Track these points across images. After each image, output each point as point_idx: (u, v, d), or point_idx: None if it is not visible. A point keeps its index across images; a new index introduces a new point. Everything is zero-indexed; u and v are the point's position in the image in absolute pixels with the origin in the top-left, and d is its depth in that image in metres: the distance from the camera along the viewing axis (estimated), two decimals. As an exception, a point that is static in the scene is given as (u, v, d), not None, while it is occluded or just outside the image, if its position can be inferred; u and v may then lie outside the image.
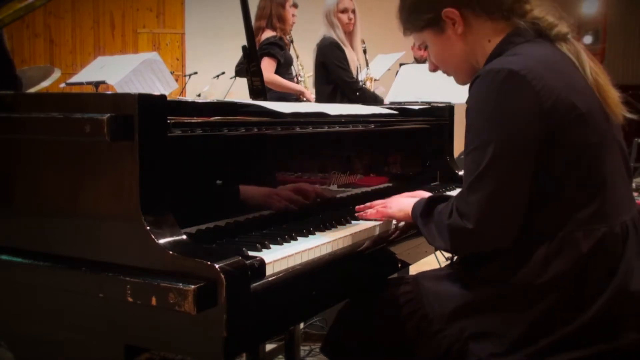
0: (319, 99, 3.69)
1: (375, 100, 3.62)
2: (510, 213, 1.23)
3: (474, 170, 1.22)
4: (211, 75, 6.45)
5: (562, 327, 1.21)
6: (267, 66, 3.83)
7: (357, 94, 3.55)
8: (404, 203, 1.53)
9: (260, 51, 3.85)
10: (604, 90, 1.29)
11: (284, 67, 3.97)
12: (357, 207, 1.60)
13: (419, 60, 5.86)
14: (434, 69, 1.48)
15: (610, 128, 1.29)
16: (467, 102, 1.28)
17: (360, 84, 3.71)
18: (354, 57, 3.69)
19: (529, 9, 1.33)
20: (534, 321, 1.22)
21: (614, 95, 1.30)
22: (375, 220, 1.57)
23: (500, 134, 1.20)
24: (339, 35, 3.57)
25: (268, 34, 3.90)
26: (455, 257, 1.55)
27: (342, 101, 3.55)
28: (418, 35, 1.44)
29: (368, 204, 1.61)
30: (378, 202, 1.59)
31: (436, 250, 1.94)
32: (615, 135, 1.30)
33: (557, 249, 1.22)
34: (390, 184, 1.95)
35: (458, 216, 1.24)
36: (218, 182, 1.32)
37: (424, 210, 1.39)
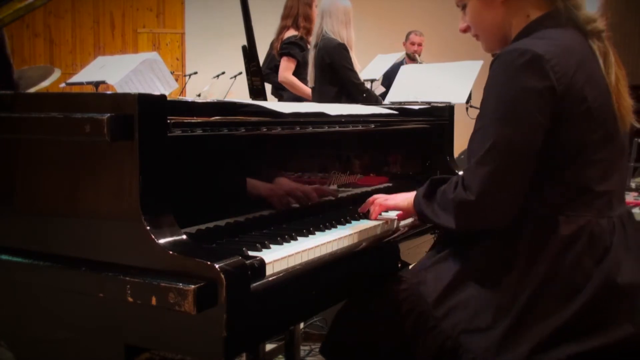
0: (322, 99, 3.68)
1: (377, 102, 3.62)
2: (513, 190, 1.25)
3: (485, 145, 1.24)
4: (211, 75, 6.45)
5: (550, 317, 1.22)
6: (286, 66, 3.87)
7: (364, 95, 3.55)
8: (406, 194, 1.54)
9: (281, 50, 3.90)
10: (622, 97, 1.32)
11: (303, 67, 3.98)
12: (360, 209, 1.61)
13: (411, 57, 5.88)
14: (465, 28, 1.47)
15: (617, 129, 1.31)
16: (487, 78, 1.29)
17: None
18: (355, 58, 3.69)
19: None
20: (522, 311, 1.24)
21: (628, 104, 1.33)
22: (380, 215, 1.58)
23: (515, 113, 1.22)
24: (348, 35, 3.56)
25: (290, 33, 3.93)
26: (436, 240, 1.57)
27: (347, 102, 3.54)
28: None
29: (370, 199, 1.61)
30: (380, 196, 1.59)
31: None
32: (620, 137, 1.32)
33: (541, 233, 1.26)
34: (390, 184, 1.95)
35: (462, 188, 1.27)
36: (218, 182, 1.32)
37: (426, 191, 1.41)
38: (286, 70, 3.85)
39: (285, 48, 3.89)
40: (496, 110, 1.25)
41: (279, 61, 4.02)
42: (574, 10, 1.33)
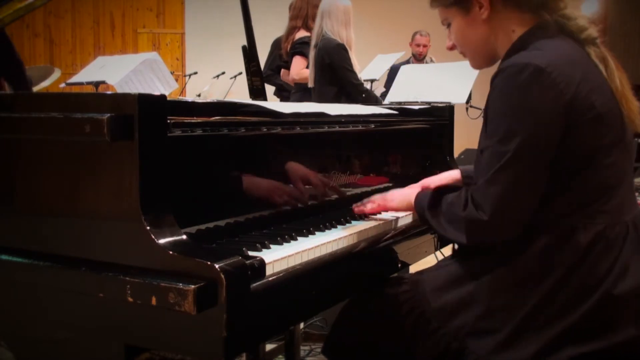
0: (321, 100, 3.69)
1: (377, 102, 3.63)
2: (526, 207, 1.25)
3: (494, 163, 1.23)
4: (211, 75, 6.46)
5: (558, 320, 1.22)
6: (298, 64, 3.92)
7: (364, 95, 3.55)
8: (405, 194, 1.53)
9: (293, 50, 3.94)
10: (629, 101, 1.31)
11: None
12: (355, 207, 1.60)
13: (417, 57, 5.90)
14: (451, 46, 1.48)
15: (625, 132, 1.31)
16: (490, 94, 1.28)
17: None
18: (354, 58, 3.70)
19: (562, 7, 1.34)
20: (530, 314, 1.23)
21: (635, 106, 1.32)
22: (376, 214, 1.57)
23: (524, 129, 1.21)
24: (348, 35, 3.57)
25: (302, 33, 3.97)
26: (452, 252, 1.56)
27: (346, 103, 3.55)
28: (443, 11, 1.44)
29: (366, 199, 1.61)
30: (378, 196, 1.59)
31: (436, 250, 1.95)
32: (628, 140, 1.32)
33: (557, 240, 1.24)
34: (390, 184, 1.95)
35: (474, 207, 1.25)
36: (218, 182, 1.32)
37: (431, 201, 1.39)
38: (299, 67, 3.91)
39: (298, 47, 3.93)
40: (503, 127, 1.23)
41: (286, 61, 4.05)
42: (565, 21, 1.32)
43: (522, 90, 1.21)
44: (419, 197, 1.44)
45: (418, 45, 5.96)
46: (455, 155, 2.34)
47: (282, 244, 1.28)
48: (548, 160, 1.23)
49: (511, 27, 1.35)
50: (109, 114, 1.05)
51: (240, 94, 5.63)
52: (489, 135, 1.26)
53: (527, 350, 1.22)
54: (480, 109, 1.32)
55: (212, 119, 1.30)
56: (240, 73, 5.65)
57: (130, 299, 1.03)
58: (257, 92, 2.01)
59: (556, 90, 1.20)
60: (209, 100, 1.59)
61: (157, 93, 1.13)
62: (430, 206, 1.39)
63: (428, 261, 1.85)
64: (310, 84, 3.69)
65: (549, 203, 1.26)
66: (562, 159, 1.23)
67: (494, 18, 1.36)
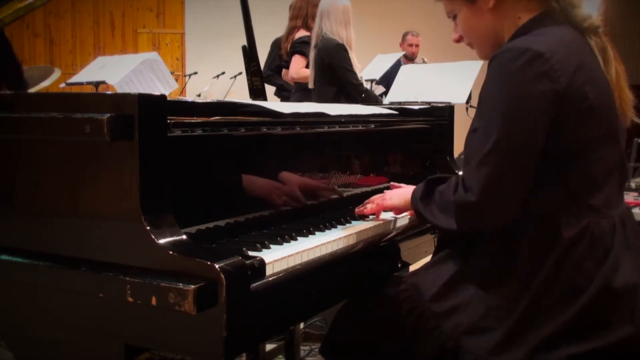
0: (321, 100, 3.69)
1: (377, 102, 3.63)
2: (514, 191, 1.25)
3: (485, 146, 1.23)
4: (211, 75, 6.46)
5: (552, 318, 1.22)
6: (297, 63, 3.94)
7: (363, 95, 3.55)
8: (402, 192, 1.53)
9: (292, 49, 3.95)
10: (623, 92, 1.32)
11: None
12: (356, 209, 1.60)
13: (409, 57, 5.91)
14: (458, 39, 1.48)
15: (617, 128, 1.31)
16: (487, 76, 1.28)
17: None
18: (354, 58, 3.70)
19: None
20: (524, 313, 1.23)
21: (629, 99, 1.33)
22: (375, 214, 1.57)
23: (517, 113, 1.22)
24: (348, 35, 3.57)
25: (301, 33, 3.99)
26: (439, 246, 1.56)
27: (346, 103, 3.54)
28: (449, 3, 1.44)
29: (367, 200, 1.61)
30: (377, 196, 1.59)
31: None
32: (619, 134, 1.32)
33: (543, 236, 1.25)
34: (390, 184, 1.95)
35: (463, 190, 1.26)
36: (218, 182, 1.32)
37: (424, 192, 1.40)
38: (298, 66, 3.92)
39: (298, 47, 3.94)
40: (497, 110, 1.24)
41: (287, 61, 4.05)
42: (570, 9, 1.32)
43: (518, 74, 1.21)
44: (414, 192, 1.45)
45: (410, 45, 5.97)
46: (455, 155, 2.34)
47: (282, 244, 1.28)
48: (538, 145, 1.22)
49: (517, 14, 1.35)
50: (109, 114, 1.05)
51: (240, 94, 5.63)
52: (481, 116, 1.27)
53: (523, 349, 1.22)
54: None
55: (212, 119, 1.30)
56: (240, 73, 5.65)
57: (130, 299, 1.03)
58: (257, 92, 2.01)
59: (552, 76, 1.21)
60: (209, 100, 1.59)
61: (157, 93, 1.13)
62: (422, 197, 1.39)
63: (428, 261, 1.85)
64: (311, 85, 3.69)
65: (536, 196, 1.26)
66: (552, 150, 1.24)
67: (500, 7, 1.36)
